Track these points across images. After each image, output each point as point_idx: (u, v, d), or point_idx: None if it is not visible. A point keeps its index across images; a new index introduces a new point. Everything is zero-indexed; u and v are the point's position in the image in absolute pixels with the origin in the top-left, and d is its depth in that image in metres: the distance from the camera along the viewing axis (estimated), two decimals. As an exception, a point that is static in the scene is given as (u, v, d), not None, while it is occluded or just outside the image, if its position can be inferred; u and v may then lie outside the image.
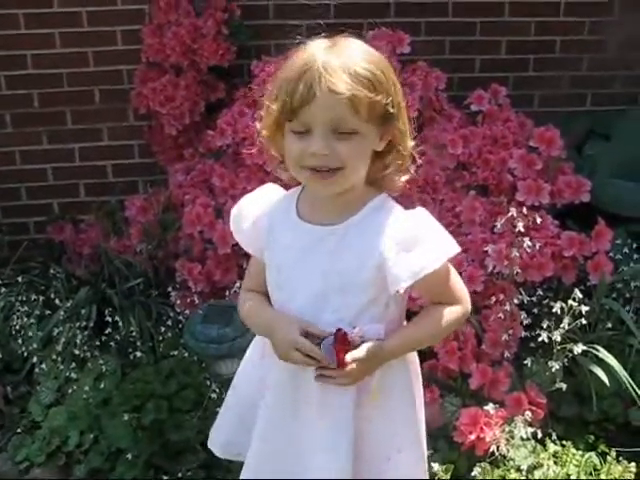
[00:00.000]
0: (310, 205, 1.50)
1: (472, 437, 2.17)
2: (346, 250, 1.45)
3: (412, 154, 1.48)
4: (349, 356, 1.42)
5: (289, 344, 1.45)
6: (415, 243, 1.41)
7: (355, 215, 1.46)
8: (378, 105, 1.36)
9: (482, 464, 2.16)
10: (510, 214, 2.41)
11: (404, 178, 1.49)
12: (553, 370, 2.31)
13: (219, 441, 1.75)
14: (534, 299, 2.53)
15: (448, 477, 2.14)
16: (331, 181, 1.40)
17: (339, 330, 1.43)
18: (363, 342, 1.45)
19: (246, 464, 1.65)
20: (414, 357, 1.62)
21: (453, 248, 1.45)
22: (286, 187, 1.60)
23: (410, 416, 1.60)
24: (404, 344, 1.51)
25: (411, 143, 1.47)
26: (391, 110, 1.39)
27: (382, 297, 1.46)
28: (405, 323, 1.57)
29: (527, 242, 2.38)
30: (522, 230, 2.39)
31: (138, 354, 2.69)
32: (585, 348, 2.31)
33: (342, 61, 1.35)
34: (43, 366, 2.70)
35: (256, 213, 1.56)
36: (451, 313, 1.51)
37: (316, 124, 1.36)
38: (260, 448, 1.61)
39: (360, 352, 1.43)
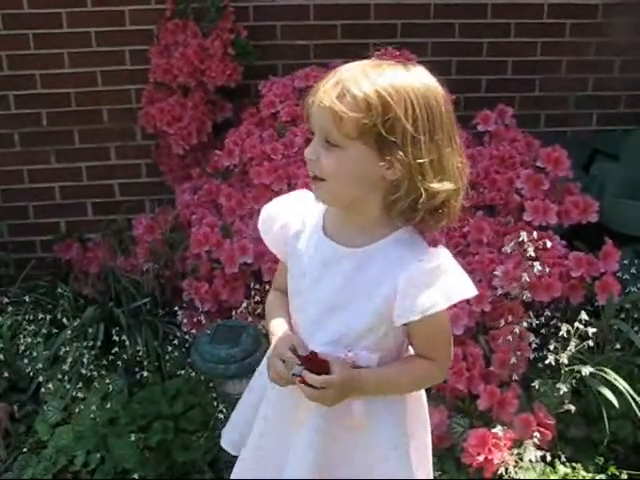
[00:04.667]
0: (334, 223, 1.51)
1: (480, 458, 2.16)
2: (362, 274, 1.45)
3: (448, 202, 1.41)
4: (324, 377, 1.42)
5: (275, 354, 1.50)
6: (430, 280, 1.40)
7: (376, 242, 1.45)
8: (366, 127, 1.34)
9: (490, 486, 2.15)
10: (521, 238, 2.40)
11: (439, 224, 1.45)
12: (561, 392, 2.30)
13: (232, 438, 1.74)
14: (542, 320, 2.53)
15: (456, 499, 2.13)
16: (316, 189, 1.43)
17: (312, 353, 1.45)
18: (354, 367, 1.46)
19: (240, 459, 1.69)
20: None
21: (469, 290, 1.44)
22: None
23: (399, 443, 1.56)
24: (379, 382, 1.50)
25: (436, 185, 1.37)
26: (390, 138, 1.34)
27: (382, 327, 1.46)
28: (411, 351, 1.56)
29: (537, 267, 2.36)
30: (533, 255, 2.38)
31: (145, 374, 2.69)
32: (593, 370, 2.29)
33: (346, 79, 1.36)
34: (49, 385, 2.69)
35: (286, 217, 1.57)
36: (433, 368, 1.52)
37: (314, 130, 1.42)
38: (255, 453, 1.65)
39: (334, 376, 1.42)
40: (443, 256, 1.44)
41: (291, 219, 1.56)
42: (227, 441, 1.75)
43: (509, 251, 2.44)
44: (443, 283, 1.41)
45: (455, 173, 1.42)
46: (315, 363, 1.44)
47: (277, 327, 1.58)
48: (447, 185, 1.39)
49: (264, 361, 1.65)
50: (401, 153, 1.35)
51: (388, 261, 1.43)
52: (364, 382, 1.47)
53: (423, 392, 1.63)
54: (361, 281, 1.45)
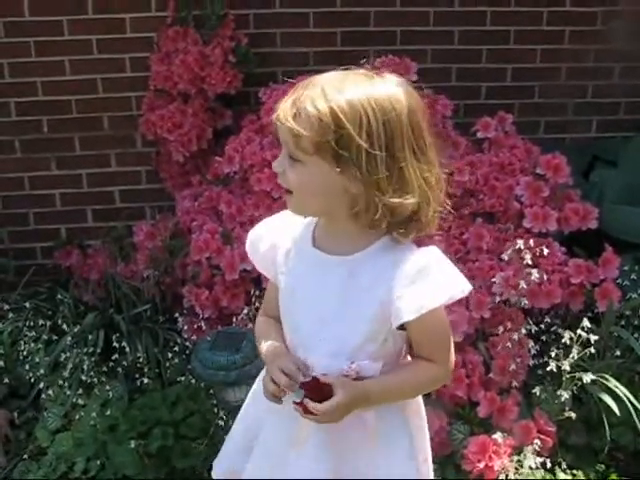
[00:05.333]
0: (323, 233, 1.51)
1: (480, 465, 2.16)
2: (354, 282, 1.44)
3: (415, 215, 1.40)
4: (327, 404, 1.39)
5: (277, 364, 1.47)
6: (423, 278, 1.39)
7: (365, 249, 1.44)
8: (321, 144, 1.35)
9: (491, 493, 2.14)
10: (518, 246, 2.40)
11: (410, 235, 1.44)
12: (562, 399, 2.30)
13: (222, 468, 1.74)
14: (542, 326, 2.53)
15: (457, 506, 2.13)
16: (287, 200, 1.45)
17: (313, 378, 1.43)
18: (358, 378, 1.45)
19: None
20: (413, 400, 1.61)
21: (462, 286, 1.43)
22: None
23: (406, 449, 1.56)
24: (383, 392, 1.48)
25: (395, 200, 1.36)
26: (345, 154, 1.34)
27: (382, 333, 1.45)
28: (409, 358, 1.56)
29: (535, 274, 2.37)
30: (530, 263, 2.38)
31: (145, 380, 2.68)
32: (594, 377, 2.29)
33: (303, 97, 1.37)
34: (50, 392, 2.69)
35: (274, 237, 1.57)
36: (436, 370, 1.50)
37: (282, 144, 1.43)
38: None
39: (338, 398, 1.40)
40: (434, 254, 1.44)
41: (279, 239, 1.56)
42: (216, 471, 1.76)
43: (507, 259, 2.44)
44: (435, 281, 1.40)
45: (422, 185, 1.39)
46: (317, 388, 1.41)
47: (270, 344, 1.54)
48: (409, 199, 1.37)
49: (241, 413, 1.68)
50: (356, 169, 1.35)
51: (380, 266, 1.43)
52: (368, 394, 1.45)
53: (423, 408, 1.62)
54: (353, 289, 1.44)
